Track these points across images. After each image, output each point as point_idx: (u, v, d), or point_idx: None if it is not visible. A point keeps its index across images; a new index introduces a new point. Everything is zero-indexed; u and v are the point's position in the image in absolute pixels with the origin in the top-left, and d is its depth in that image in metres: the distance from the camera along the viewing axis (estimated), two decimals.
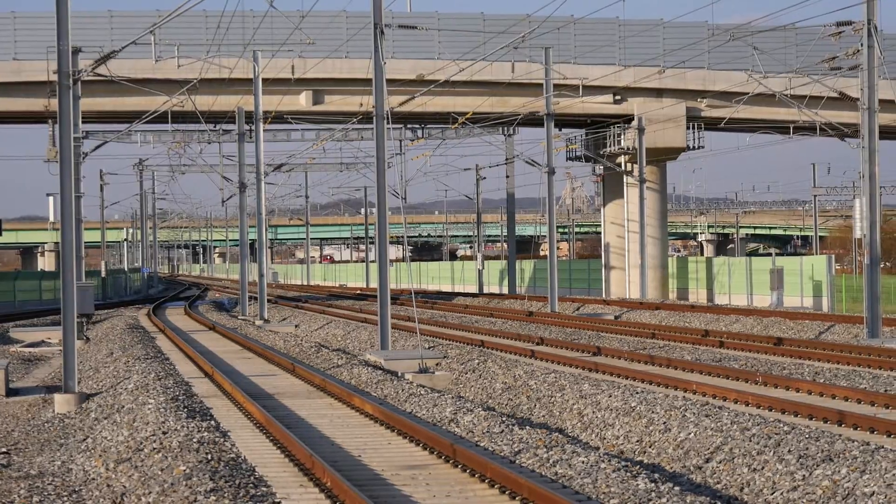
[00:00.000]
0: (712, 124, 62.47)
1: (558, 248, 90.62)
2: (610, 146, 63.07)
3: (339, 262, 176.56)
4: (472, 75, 51.80)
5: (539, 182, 58.06)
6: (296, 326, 44.89)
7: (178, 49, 54.79)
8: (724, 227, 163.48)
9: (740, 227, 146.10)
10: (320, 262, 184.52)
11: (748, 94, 48.48)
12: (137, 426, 18.05)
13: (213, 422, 18.23)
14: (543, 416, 20.65)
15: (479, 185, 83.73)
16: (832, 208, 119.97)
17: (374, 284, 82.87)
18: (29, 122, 66.70)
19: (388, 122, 30.32)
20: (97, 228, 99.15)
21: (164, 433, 16.93)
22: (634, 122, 60.92)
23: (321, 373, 26.05)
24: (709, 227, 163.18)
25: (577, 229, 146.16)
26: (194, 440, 16.20)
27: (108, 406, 21.64)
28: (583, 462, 14.53)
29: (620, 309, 50.24)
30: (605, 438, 17.96)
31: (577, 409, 19.97)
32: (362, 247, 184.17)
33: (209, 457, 15.03)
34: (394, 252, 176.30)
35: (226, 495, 12.73)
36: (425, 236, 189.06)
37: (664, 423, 17.32)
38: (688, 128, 62.03)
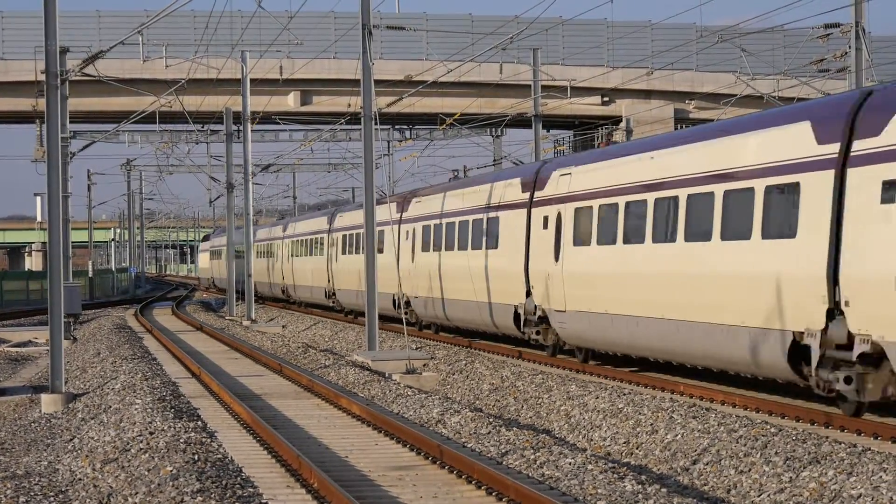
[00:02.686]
0: None
1: None
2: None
3: None
4: (460, 76, 51.77)
5: None
6: (283, 327, 44.84)
7: (167, 49, 54.76)
8: None
9: None
10: None
11: (736, 95, 48.46)
12: (124, 426, 18.02)
13: (200, 422, 18.21)
14: (531, 417, 20.64)
15: None
16: None
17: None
18: (16, 122, 66.62)
19: (375, 123, 30.30)
20: (85, 228, 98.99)
21: (150, 433, 16.90)
22: (623, 124, 60.94)
23: (308, 373, 26.03)
24: None
25: None
26: (181, 441, 16.18)
27: (95, 406, 21.60)
28: (570, 463, 14.53)
29: None
30: (592, 440, 17.95)
31: (564, 411, 19.97)
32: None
33: (196, 457, 15.01)
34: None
35: (212, 496, 12.71)
36: None
37: (651, 424, 17.32)
38: (676, 129, 62.05)
